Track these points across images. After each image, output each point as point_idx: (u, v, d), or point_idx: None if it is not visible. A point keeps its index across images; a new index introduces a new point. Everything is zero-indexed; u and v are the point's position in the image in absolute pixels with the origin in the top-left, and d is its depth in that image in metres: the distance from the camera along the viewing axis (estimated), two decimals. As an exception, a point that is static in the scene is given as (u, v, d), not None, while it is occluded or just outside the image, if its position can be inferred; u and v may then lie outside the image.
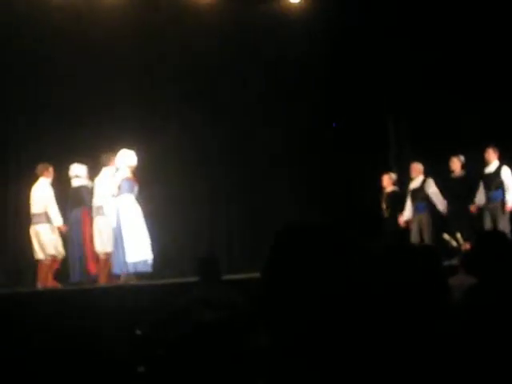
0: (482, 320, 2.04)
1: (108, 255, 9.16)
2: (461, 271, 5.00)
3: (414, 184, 10.30)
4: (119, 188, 9.07)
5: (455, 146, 10.19)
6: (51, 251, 9.08)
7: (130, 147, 9.28)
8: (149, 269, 9.08)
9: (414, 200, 10.24)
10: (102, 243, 9.16)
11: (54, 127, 10.09)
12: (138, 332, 5.34)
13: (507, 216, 9.55)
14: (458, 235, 9.14)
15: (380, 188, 10.68)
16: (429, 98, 10.95)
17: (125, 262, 8.90)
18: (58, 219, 9.12)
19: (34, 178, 9.26)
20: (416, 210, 10.19)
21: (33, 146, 10.09)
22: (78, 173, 9.48)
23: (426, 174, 10.26)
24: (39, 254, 9.08)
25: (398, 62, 11.34)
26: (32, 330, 6.09)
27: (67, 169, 9.49)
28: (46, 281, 9.04)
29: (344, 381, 1.26)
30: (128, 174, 9.14)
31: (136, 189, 9.20)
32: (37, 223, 9.09)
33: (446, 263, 8.10)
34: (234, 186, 11.37)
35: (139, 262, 8.95)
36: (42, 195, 9.11)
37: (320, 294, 1.27)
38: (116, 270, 9.00)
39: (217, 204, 11.40)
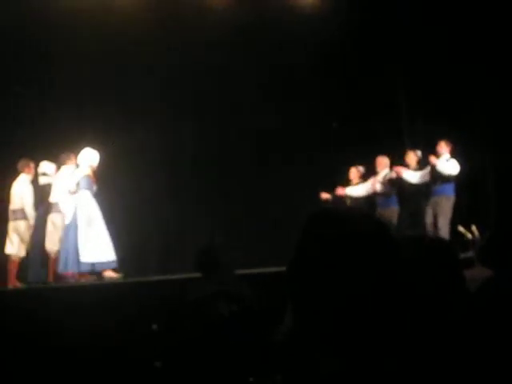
0: (496, 313, 2.03)
1: (57, 253, 9.03)
2: (477, 264, 4.98)
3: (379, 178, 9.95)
4: (78, 185, 9.01)
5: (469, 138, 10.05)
6: (23, 250, 9.03)
7: (97, 146, 9.26)
8: (113, 266, 8.86)
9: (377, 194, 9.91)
10: (53, 241, 9.07)
11: (24, 125, 10.09)
12: (155, 327, 5.36)
13: (448, 211, 9.16)
14: (473, 228, 9.09)
15: (347, 181, 10.31)
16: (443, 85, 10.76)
17: (78, 261, 8.65)
18: (31, 217, 9.06)
19: (16, 174, 9.20)
20: (379, 204, 9.89)
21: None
22: (46, 170, 9.45)
23: (391, 167, 9.88)
24: (13, 250, 9.02)
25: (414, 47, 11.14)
26: (48, 327, 6.09)
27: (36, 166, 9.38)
28: (13, 279, 8.91)
29: (367, 368, 1.28)
30: (88, 172, 9.10)
31: (94, 188, 9.13)
32: (15, 219, 9.05)
33: (461, 256, 8.06)
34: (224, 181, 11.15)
35: (103, 262, 8.76)
36: (19, 191, 9.08)
37: (351, 281, 1.27)
38: (61, 268, 8.73)
39: (211, 199, 11.07)
